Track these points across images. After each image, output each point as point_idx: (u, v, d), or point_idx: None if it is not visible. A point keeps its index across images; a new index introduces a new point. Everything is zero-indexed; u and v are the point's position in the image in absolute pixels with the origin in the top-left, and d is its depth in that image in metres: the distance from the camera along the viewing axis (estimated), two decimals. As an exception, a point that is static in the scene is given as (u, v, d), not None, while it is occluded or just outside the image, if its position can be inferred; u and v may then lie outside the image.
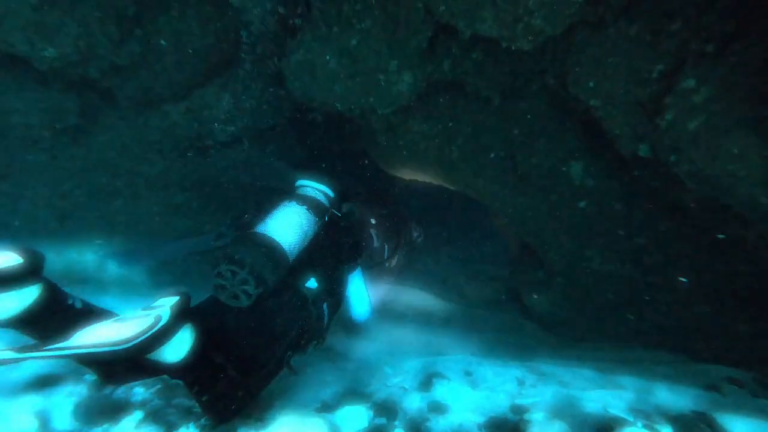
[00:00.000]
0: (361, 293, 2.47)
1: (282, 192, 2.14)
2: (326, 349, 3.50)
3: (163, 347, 1.37)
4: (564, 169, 4.13)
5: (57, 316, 1.50)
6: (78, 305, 1.62)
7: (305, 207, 1.97)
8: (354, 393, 2.79)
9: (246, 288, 1.70)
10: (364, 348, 4.05)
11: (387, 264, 4.39)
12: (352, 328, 2.97)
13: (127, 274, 5.08)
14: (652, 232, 3.88)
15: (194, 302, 1.80)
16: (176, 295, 1.49)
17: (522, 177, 4.55)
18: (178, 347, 1.45)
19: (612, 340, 4.59)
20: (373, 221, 5.28)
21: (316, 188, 2.21)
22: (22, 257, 1.41)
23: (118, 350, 1.20)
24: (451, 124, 4.80)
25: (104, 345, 1.19)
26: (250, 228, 1.86)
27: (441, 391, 2.82)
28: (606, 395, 2.50)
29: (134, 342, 1.25)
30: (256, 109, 5.22)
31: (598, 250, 4.26)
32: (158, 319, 1.35)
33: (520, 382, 2.86)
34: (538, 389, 2.71)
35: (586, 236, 4.29)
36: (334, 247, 2.19)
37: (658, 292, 4.13)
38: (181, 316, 1.44)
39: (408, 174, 5.75)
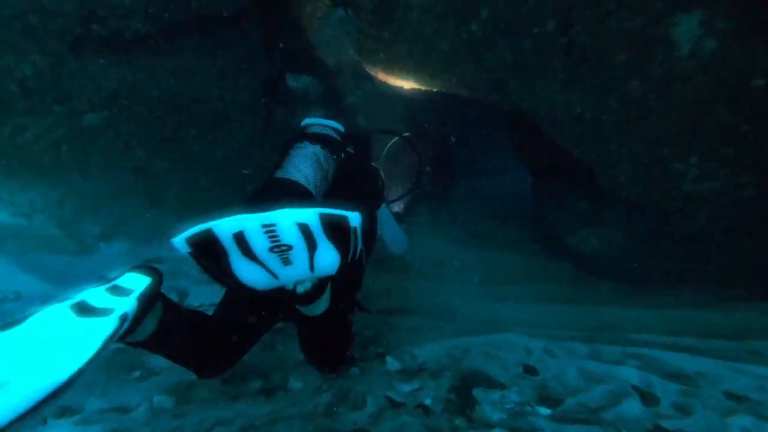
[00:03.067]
0: (392, 228, 1.96)
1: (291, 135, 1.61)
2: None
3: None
4: (662, 30, 2.45)
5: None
6: None
7: (319, 145, 1.49)
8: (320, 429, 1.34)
9: None
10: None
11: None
12: (393, 262, 2.52)
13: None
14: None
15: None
16: (147, 273, 0.99)
17: (582, 57, 2.85)
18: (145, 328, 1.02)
19: (693, 290, 3.18)
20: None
21: (324, 125, 1.66)
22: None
23: None
24: (472, -15, 3.01)
25: None
26: (270, 175, 1.43)
27: (493, 419, 1.37)
28: None
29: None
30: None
31: (698, 158, 2.69)
32: (124, 318, 0.86)
33: (649, 399, 1.39)
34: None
35: (683, 139, 2.70)
36: (359, 184, 1.69)
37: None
38: (150, 304, 0.97)
39: (403, 77, 4.00)
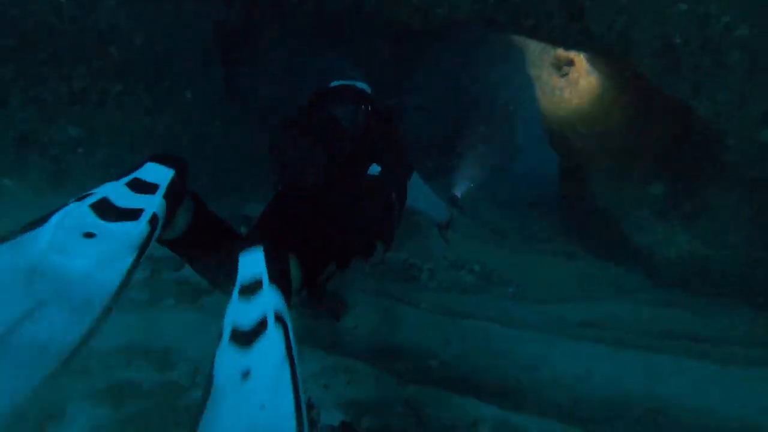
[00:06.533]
0: (429, 196, 1.75)
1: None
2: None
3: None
4: None
5: None
6: None
7: (352, 96, 1.38)
8: None
9: (316, 159, 1.09)
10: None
11: None
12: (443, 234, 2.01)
13: None
14: None
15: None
16: (169, 164, 0.80)
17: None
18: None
19: None
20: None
21: (352, 83, 1.51)
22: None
23: None
24: None
25: None
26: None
27: None
28: None
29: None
30: None
31: None
32: (154, 221, 0.69)
33: None
34: None
35: None
36: (391, 154, 1.46)
37: None
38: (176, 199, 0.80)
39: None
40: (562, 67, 3.41)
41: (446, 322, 2.11)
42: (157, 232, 0.68)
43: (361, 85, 1.52)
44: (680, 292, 2.40)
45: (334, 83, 1.50)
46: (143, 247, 0.63)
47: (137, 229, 0.64)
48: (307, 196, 1.12)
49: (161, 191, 0.73)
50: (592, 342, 1.82)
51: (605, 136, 2.79)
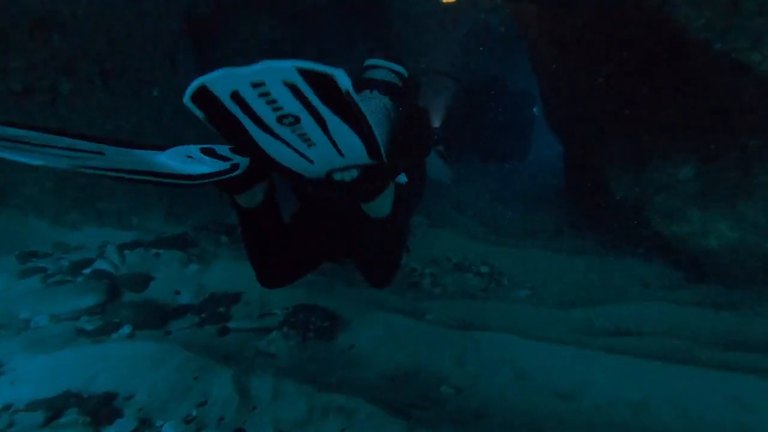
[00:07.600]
0: (438, 166, 1.91)
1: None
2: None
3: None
4: None
5: None
6: None
7: (389, 96, 1.42)
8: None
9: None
10: None
11: None
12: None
13: None
14: None
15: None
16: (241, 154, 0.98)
17: None
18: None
19: None
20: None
21: (391, 69, 1.51)
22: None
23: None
24: None
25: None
26: None
27: None
28: None
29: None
30: None
31: None
32: (235, 167, 0.95)
33: None
34: None
35: None
36: (416, 135, 1.55)
37: None
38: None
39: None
40: (563, 45, 3.10)
41: (457, 335, 1.77)
42: (233, 173, 0.90)
43: (398, 68, 1.49)
44: (722, 289, 2.08)
45: (370, 61, 1.47)
46: (219, 173, 0.88)
47: (220, 163, 0.88)
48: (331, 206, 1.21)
49: (249, 159, 0.92)
50: (638, 356, 1.48)
51: (618, 113, 2.47)
